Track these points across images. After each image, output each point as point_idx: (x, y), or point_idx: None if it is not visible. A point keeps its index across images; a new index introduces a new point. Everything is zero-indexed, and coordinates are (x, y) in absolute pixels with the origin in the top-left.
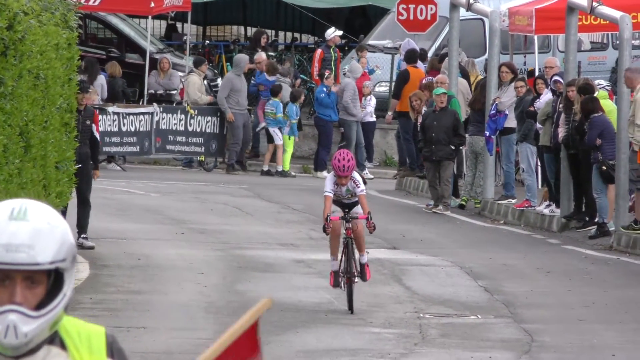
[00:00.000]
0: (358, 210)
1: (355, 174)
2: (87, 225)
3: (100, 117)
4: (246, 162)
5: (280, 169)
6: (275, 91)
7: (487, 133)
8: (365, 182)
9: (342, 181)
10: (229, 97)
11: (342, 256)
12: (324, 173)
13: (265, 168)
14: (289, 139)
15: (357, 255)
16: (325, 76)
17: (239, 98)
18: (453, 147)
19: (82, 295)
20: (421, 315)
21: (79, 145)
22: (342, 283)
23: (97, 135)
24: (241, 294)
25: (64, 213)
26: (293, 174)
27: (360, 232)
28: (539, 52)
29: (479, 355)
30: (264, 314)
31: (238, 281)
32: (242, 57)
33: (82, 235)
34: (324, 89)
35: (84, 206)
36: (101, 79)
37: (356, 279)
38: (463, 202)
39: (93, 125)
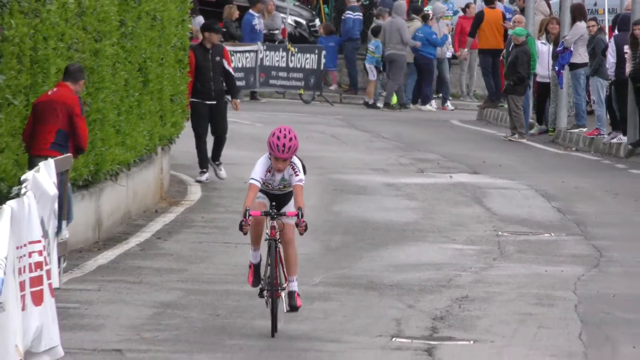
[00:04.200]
0: (289, 207)
1: (296, 159)
2: (218, 157)
3: None
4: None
5: (370, 101)
6: (375, 31)
7: (557, 68)
8: (305, 171)
9: (279, 165)
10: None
11: (266, 262)
12: (428, 107)
13: (370, 101)
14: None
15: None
16: (430, 17)
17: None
18: (512, 83)
19: (195, 214)
20: (500, 233)
21: (213, 82)
22: (266, 297)
23: (230, 69)
24: (336, 214)
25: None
26: (399, 107)
27: (290, 240)
28: None
29: (552, 269)
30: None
31: (334, 203)
32: (401, 4)
33: (216, 163)
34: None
35: (218, 143)
36: (199, 19)
37: (283, 294)
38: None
39: (224, 60)
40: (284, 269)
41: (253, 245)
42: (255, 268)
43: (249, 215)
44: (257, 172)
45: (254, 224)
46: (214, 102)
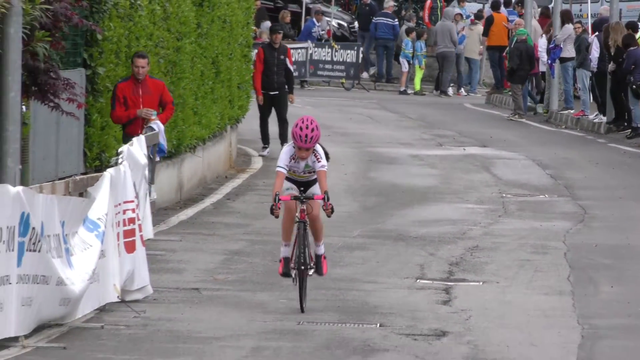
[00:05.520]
0: (315, 190)
1: (318, 147)
2: (286, 136)
3: None
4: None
5: (402, 89)
6: (408, 32)
7: (549, 62)
8: (328, 157)
9: (302, 154)
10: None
11: (294, 243)
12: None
13: (402, 89)
14: (419, 67)
15: (312, 242)
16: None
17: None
18: (507, 74)
19: (258, 180)
20: (504, 195)
21: (276, 76)
22: (294, 275)
23: (290, 67)
24: (372, 179)
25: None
26: (424, 92)
27: (316, 216)
28: (592, 2)
29: (546, 224)
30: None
31: (370, 170)
32: (451, 10)
33: (284, 144)
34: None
35: (282, 123)
36: (266, 24)
37: (310, 272)
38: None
39: (287, 59)
40: (311, 250)
41: (284, 240)
42: (286, 260)
43: (279, 199)
44: (282, 160)
45: (288, 218)
46: (277, 92)
